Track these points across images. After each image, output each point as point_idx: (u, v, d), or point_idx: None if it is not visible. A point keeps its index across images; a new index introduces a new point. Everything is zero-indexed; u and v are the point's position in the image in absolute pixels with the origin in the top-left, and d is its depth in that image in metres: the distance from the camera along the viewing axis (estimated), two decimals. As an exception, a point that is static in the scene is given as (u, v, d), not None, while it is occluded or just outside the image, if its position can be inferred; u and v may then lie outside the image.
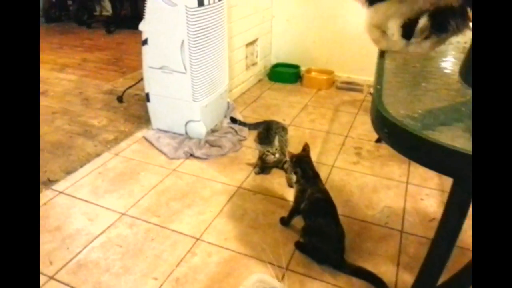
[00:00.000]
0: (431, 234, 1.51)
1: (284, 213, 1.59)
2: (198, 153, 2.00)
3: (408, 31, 0.91)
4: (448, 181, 1.83)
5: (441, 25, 0.85)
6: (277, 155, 1.83)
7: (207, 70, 2.05)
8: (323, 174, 1.85)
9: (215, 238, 1.47)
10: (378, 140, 2.18)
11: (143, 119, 2.35)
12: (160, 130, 2.22)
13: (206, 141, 2.11)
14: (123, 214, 1.59)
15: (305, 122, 2.42)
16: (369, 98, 2.78)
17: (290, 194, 1.72)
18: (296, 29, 3.11)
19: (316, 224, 1.35)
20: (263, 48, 3.09)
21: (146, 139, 2.15)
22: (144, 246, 1.43)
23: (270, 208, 1.64)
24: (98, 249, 1.41)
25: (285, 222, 1.54)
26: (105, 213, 1.59)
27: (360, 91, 2.90)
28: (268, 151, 1.80)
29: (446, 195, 1.76)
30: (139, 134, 2.21)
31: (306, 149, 1.53)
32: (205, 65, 2.03)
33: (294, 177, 1.48)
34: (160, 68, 2.02)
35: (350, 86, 2.94)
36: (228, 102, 2.42)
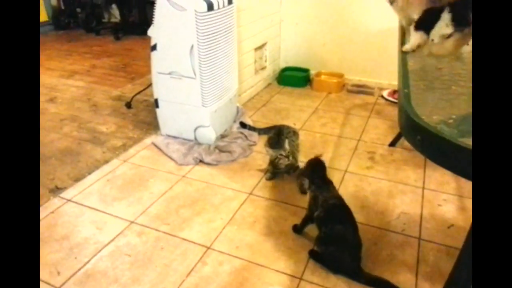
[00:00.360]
0: (450, 241, 1.46)
1: (297, 220, 1.54)
2: (207, 159, 1.97)
3: (426, 22, 0.87)
4: (466, 186, 1.77)
5: (462, 17, 0.81)
6: (290, 158, 1.79)
7: (216, 75, 2.02)
8: (336, 179, 1.80)
9: (226, 247, 1.43)
10: (391, 144, 2.13)
11: (152, 125, 2.33)
12: (169, 136, 2.19)
13: (216, 147, 2.07)
14: (132, 222, 1.56)
15: (316, 126, 2.37)
16: (381, 101, 2.74)
17: (302, 201, 1.67)
18: (305, 33, 3.07)
19: (332, 232, 1.30)
20: (272, 52, 3.06)
21: (155, 145, 2.12)
22: (153, 255, 1.39)
23: (282, 215, 1.59)
24: (106, 258, 1.38)
25: (298, 229, 1.50)
26: (114, 221, 1.56)
27: (371, 94, 2.84)
28: (281, 154, 1.76)
29: (464, 200, 1.71)
30: (148, 140, 2.18)
31: (319, 157, 1.49)
32: (215, 70, 2.00)
33: (306, 184, 1.45)
34: (169, 73, 1.99)
35: (360, 89, 2.88)
36: (237, 107, 2.39)
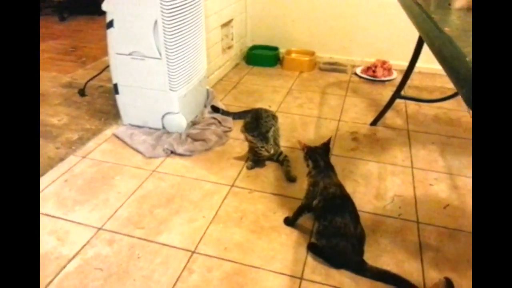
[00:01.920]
0: (449, 222, 1.40)
1: (287, 212, 1.40)
2: (180, 149, 1.77)
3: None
4: (454, 163, 1.72)
5: None
6: (271, 151, 1.64)
7: (184, 55, 1.80)
8: (323, 164, 1.68)
9: (213, 249, 1.26)
10: (373, 123, 2.04)
11: (111, 114, 2.07)
12: (132, 125, 1.95)
13: (188, 135, 1.87)
14: (99, 229, 1.34)
15: (292, 107, 2.23)
16: (355, 78, 2.64)
17: (290, 190, 1.54)
18: (273, 8, 2.89)
19: (333, 224, 1.18)
20: (238, 30, 2.85)
21: (117, 137, 1.88)
22: (129, 266, 1.20)
23: (271, 207, 1.45)
24: (73, 275, 1.16)
25: (290, 222, 1.36)
26: (77, 229, 1.34)
27: (344, 71, 2.74)
28: (263, 147, 1.60)
29: (454, 178, 1.65)
30: (108, 131, 1.93)
31: (327, 143, 1.38)
32: (182, 49, 1.78)
33: (310, 166, 1.33)
34: (130, 54, 1.75)
35: (333, 67, 2.77)
36: (207, 90, 2.18)
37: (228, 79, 2.63)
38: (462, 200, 1.49)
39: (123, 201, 1.47)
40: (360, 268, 1.17)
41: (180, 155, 1.76)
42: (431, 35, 0.91)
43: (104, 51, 1.80)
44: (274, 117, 1.89)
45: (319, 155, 1.33)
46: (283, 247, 1.27)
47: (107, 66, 1.89)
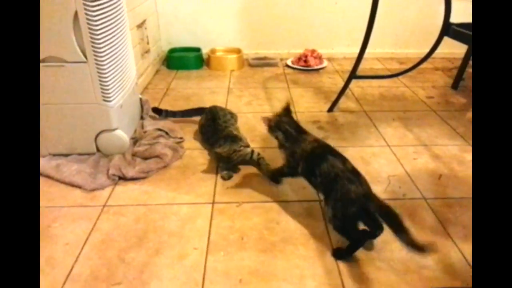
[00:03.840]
0: (450, 192, 1.34)
1: (291, 220, 1.19)
2: (130, 172, 1.40)
3: None
4: (422, 135, 1.71)
5: None
6: (249, 149, 1.40)
7: (116, 54, 1.44)
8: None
9: (225, 286, 0.97)
10: (330, 109, 1.94)
11: (18, 146, 1.57)
12: (55, 155, 1.50)
13: (134, 155, 1.51)
14: (55, 301, 0.93)
15: (241, 106, 2.01)
16: (289, 71, 2.54)
17: (282, 192, 1.33)
18: (187, 5, 2.62)
19: (324, 173, 1.08)
20: (152, 32, 2.51)
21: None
22: None
23: (270, 218, 1.21)
24: None
25: (275, 179, 1.37)
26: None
27: (275, 65, 2.62)
28: (241, 147, 1.36)
29: (431, 148, 1.64)
30: (21, 168, 1.45)
31: (287, 107, 1.29)
32: (113, 47, 1.42)
33: (281, 139, 1.23)
34: (42, 61, 1.32)
35: (264, 62, 2.63)
36: (140, 99, 1.82)
37: (154, 86, 2.28)
38: (450, 167, 1.47)
39: (77, 254, 1.07)
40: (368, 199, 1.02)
41: (132, 179, 1.39)
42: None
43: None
44: (232, 115, 1.65)
45: (287, 124, 1.22)
46: (307, 261, 1.05)
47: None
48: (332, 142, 1.62)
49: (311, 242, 1.11)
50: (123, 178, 1.40)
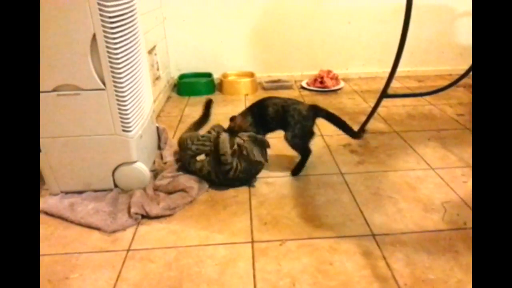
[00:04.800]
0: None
1: (342, 257, 1.04)
2: (155, 210, 1.25)
3: None
4: (464, 155, 1.57)
5: None
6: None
7: (135, 80, 1.33)
8: (337, 186, 1.38)
9: None
10: (359, 132, 1.81)
11: (26, 184, 1.42)
12: (67, 193, 1.35)
13: (156, 189, 1.36)
14: None
15: (263, 131, 1.88)
16: (306, 92, 2.44)
17: (324, 222, 1.17)
18: (197, 30, 2.55)
19: (273, 114, 1.46)
20: (161, 58, 2.42)
21: (49, 214, 1.26)
22: None
23: (321, 258, 1.05)
24: None
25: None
26: None
27: (290, 87, 2.52)
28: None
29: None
30: (30, 209, 1.29)
31: (233, 119, 1.54)
32: (133, 72, 1.30)
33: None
34: (55, 90, 1.19)
35: (278, 85, 2.53)
36: (157, 127, 1.69)
37: (167, 114, 2.16)
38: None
39: (103, 313, 0.90)
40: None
41: (157, 217, 1.24)
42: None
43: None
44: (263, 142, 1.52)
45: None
46: (376, 310, 0.89)
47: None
48: (369, 167, 1.51)
49: (375, 286, 0.96)
50: (146, 217, 1.25)
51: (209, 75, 2.55)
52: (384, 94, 1.70)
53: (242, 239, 1.13)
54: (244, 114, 1.52)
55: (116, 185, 1.37)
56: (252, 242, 1.12)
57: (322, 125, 1.92)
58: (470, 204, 1.26)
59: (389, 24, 2.58)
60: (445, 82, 2.25)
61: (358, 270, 1.01)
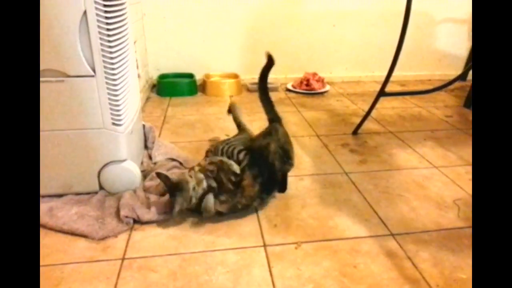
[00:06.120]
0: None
1: (366, 258, 0.95)
2: (147, 214, 1.11)
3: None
4: (463, 154, 1.55)
5: None
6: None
7: (126, 68, 1.19)
8: (344, 185, 1.30)
9: None
10: (355, 132, 1.77)
11: None
12: (44, 196, 1.18)
13: (146, 190, 1.22)
14: None
15: (255, 131, 1.78)
16: (292, 95, 2.38)
17: (337, 223, 1.09)
18: (177, 29, 2.42)
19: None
20: (140, 57, 2.27)
21: (23, 221, 1.08)
22: None
23: (342, 260, 0.96)
24: None
25: None
26: None
27: (276, 90, 2.45)
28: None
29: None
30: None
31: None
32: (123, 60, 1.17)
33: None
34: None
35: (263, 86, 2.45)
36: (144, 125, 1.55)
37: (149, 114, 2.01)
38: (514, 187, 1.32)
39: (101, 333, 0.75)
40: None
41: (150, 222, 1.10)
42: None
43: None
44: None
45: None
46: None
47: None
48: (373, 166, 1.45)
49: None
50: (137, 221, 1.10)
51: (190, 75, 2.42)
52: (382, 92, 1.66)
53: (253, 243, 1.02)
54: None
55: (101, 187, 1.21)
56: (265, 245, 1.01)
57: (314, 124, 1.86)
58: (481, 201, 1.23)
59: (373, 28, 2.59)
60: (426, 86, 2.26)
61: (385, 272, 0.92)
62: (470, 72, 2.52)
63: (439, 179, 1.36)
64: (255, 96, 2.32)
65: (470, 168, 1.45)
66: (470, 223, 1.12)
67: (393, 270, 0.93)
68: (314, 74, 2.49)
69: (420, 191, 1.28)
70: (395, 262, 0.95)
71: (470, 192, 1.28)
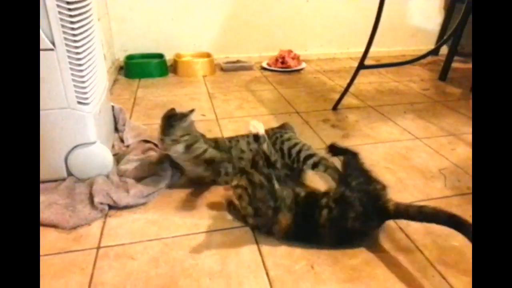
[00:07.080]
0: None
1: (381, 268, 0.92)
2: (125, 199, 1.02)
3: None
4: (443, 125, 1.56)
5: None
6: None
7: (90, 42, 1.08)
8: (329, 158, 1.26)
9: None
10: (334, 107, 1.73)
11: None
12: (5, 186, 1.06)
13: (122, 175, 1.13)
14: None
15: (232, 111, 1.71)
16: (268, 73, 2.32)
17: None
18: (144, 6, 2.28)
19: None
20: (105, 37, 2.12)
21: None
22: None
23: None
24: None
25: None
26: None
27: (251, 68, 2.37)
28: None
29: (461, 137, 1.48)
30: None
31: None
32: (87, 33, 1.06)
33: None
34: (-17, 47, 0.91)
35: (237, 66, 2.37)
36: (113, 107, 1.44)
37: (117, 96, 1.88)
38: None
39: (78, 330, 0.68)
40: None
41: (128, 206, 1.02)
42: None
43: None
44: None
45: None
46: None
47: None
48: (356, 140, 1.42)
49: (400, 259, 0.85)
50: (114, 207, 1.02)
51: (160, 55, 2.30)
52: (362, 65, 1.63)
53: (237, 223, 0.96)
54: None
55: (70, 173, 1.11)
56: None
57: (292, 101, 1.81)
58: (466, 169, 1.22)
59: (347, 3, 2.55)
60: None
61: (379, 244, 0.89)
62: (443, 48, 2.54)
63: (422, 150, 1.35)
64: (230, 76, 2.24)
65: (452, 138, 1.44)
66: (457, 191, 1.10)
67: (387, 242, 0.90)
68: (290, 52, 2.43)
69: (405, 163, 1.26)
70: (388, 234, 0.93)
71: (454, 161, 1.27)
